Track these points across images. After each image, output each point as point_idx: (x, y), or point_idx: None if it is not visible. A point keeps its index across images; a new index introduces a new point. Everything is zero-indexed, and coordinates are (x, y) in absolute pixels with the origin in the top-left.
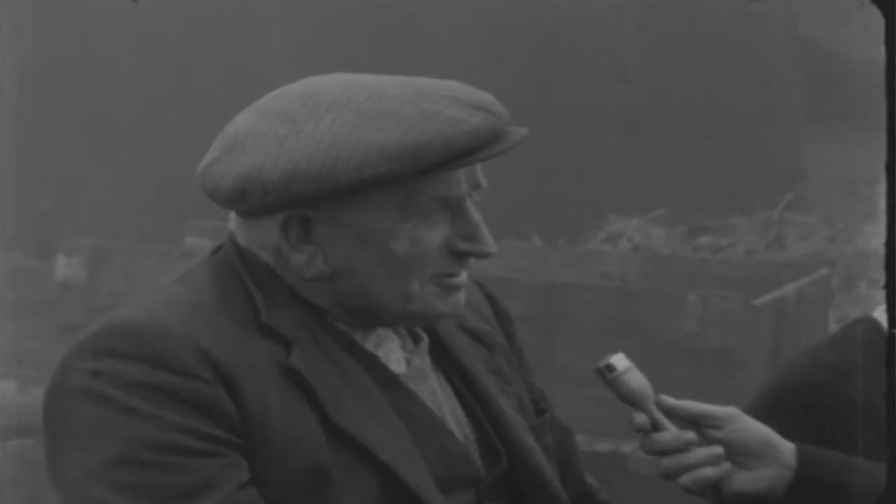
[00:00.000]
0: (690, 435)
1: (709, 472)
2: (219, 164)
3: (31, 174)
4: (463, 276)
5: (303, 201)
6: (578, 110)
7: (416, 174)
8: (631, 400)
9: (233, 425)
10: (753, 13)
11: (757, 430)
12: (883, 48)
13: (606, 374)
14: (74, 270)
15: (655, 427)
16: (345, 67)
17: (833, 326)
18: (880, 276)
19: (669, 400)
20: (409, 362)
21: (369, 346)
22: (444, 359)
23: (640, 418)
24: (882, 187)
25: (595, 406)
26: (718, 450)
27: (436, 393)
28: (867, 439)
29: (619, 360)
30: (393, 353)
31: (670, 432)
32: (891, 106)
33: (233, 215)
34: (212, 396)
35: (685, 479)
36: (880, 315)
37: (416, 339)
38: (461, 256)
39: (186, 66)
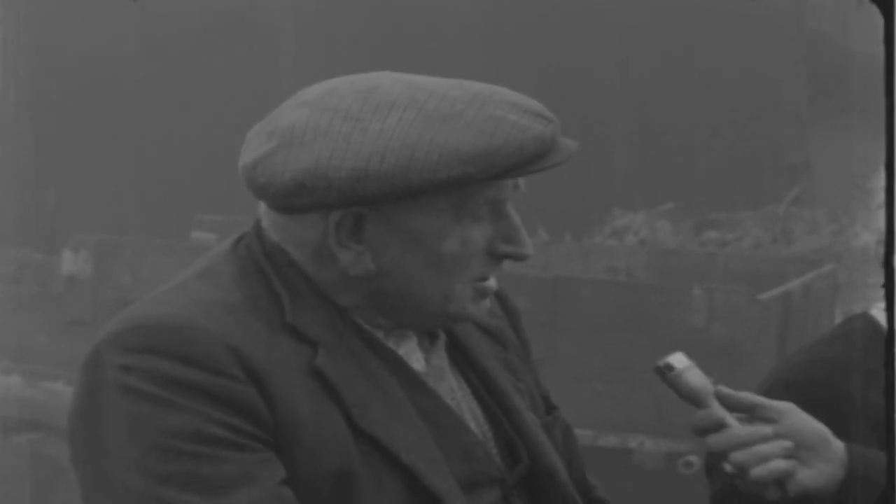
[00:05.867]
0: (767, 430)
1: (782, 464)
2: (274, 159)
3: (36, 170)
4: (493, 282)
5: (364, 200)
6: (585, 105)
7: (488, 178)
8: (692, 398)
9: (265, 424)
10: (759, 9)
11: (815, 425)
12: (882, 47)
13: (666, 374)
14: (80, 265)
15: (719, 424)
16: (354, 65)
17: (839, 321)
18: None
19: (727, 391)
20: (427, 360)
21: (391, 344)
22: (459, 357)
23: (702, 416)
24: (880, 181)
25: (601, 400)
26: (788, 443)
27: (454, 391)
28: (863, 436)
29: (679, 360)
30: (413, 351)
31: (750, 428)
32: (890, 105)
33: (264, 211)
34: (244, 395)
35: (758, 472)
36: (878, 313)
37: (432, 338)
38: (499, 259)
39: (193, 63)
